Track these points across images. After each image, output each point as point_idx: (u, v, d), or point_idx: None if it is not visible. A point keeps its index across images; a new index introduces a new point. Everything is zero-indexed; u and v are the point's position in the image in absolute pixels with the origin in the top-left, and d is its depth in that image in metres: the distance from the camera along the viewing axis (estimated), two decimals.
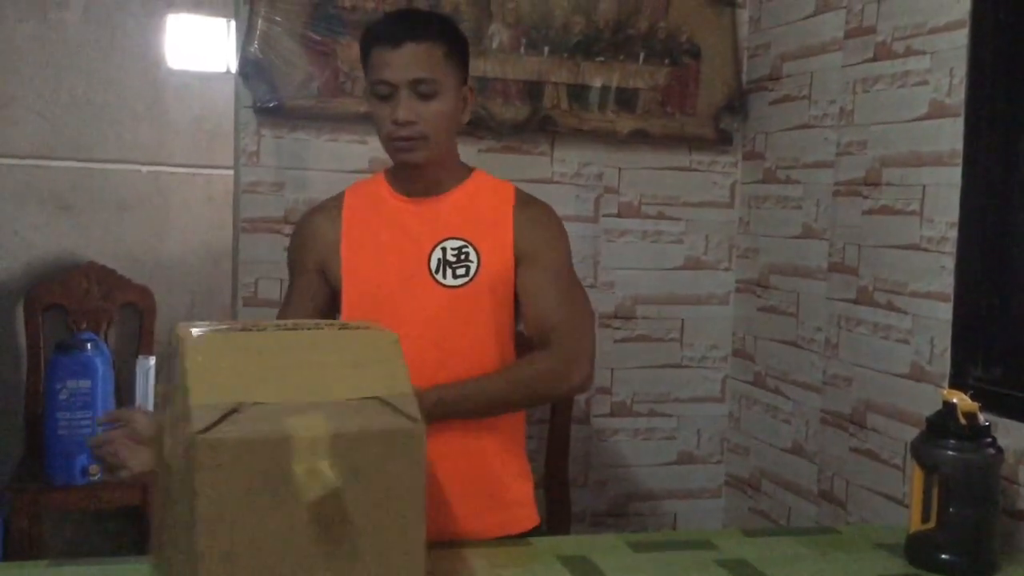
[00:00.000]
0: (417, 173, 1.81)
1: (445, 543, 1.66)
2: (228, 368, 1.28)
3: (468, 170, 1.89)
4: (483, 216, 1.83)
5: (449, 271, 1.79)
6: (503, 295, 1.81)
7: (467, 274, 1.79)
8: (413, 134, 1.74)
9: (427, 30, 1.76)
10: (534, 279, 1.81)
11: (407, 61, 1.72)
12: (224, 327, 1.38)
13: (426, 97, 1.74)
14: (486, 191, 1.87)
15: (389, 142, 1.77)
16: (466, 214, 1.82)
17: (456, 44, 1.80)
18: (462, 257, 1.79)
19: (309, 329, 1.40)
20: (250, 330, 1.38)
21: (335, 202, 1.91)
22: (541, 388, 1.81)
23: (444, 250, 1.79)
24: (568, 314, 1.81)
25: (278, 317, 1.91)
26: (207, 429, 1.20)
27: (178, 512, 1.25)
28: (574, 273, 1.90)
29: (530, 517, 1.88)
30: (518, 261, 1.81)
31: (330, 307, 1.88)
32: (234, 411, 1.22)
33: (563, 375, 1.79)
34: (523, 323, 1.85)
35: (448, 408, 1.70)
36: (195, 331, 1.34)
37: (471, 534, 1.75)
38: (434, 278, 1.78)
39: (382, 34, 1.75)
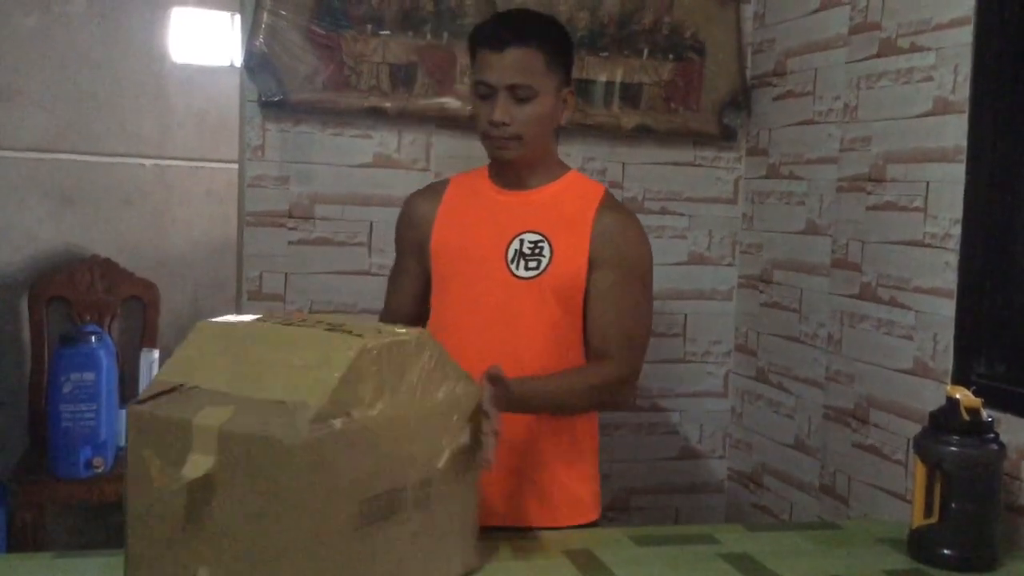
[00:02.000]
0: (509, 167, 1.89)
1: None
2: (201, 353, 1.37)
3: (564, 169, 1.95)
4: (565, 214, 1.88)
5: (523, 262, 1.85)
6: (571, 294, 1.85)
7: (538, 267, 1.84)
8: (506, 135, 1.81)
9: (531, 36, 1.82)
10: (603, 287, 1.85)
11: (507, 66, 1.79)
12: (247, 318, 1.46)
13: (522, 101, 1.80)
14: (574, 191, 1.92)
15: (484, 139, 1.86)
16: (549, 210, 1.88)
17: (559, 48, 1.86)
18: (536, 251, 1.85)
19: (298, 326, 1.41)
20: (264, 321, 1.44)
21: (440, 186, 2.01)
22: (598, 400, 1.88)
23: (522, 242, 1.85)
24: (627, 331, 1.86)
25: (388, 293, 2.04)
26: (142, 400, 1.32)
27: None
28: (648, 285, 1.92)
29: (589, 512, 1.92)
30: (592, 265, 1.84)
31: (428, 287, 1.97)
32: (173, 390, 1.32)
33: (617, 393, 1.88)
34: (586, 327, 1.88)
35: (527, 404, 1.73)
36: (222, 320, 1.45)
37: (528, 519, 1.82)
38: (508, 267, 1.85)
39: (488, 36, 1.82)
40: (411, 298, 1.99)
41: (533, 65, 1.80)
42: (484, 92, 1.81)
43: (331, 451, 1.26)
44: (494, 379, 1.57)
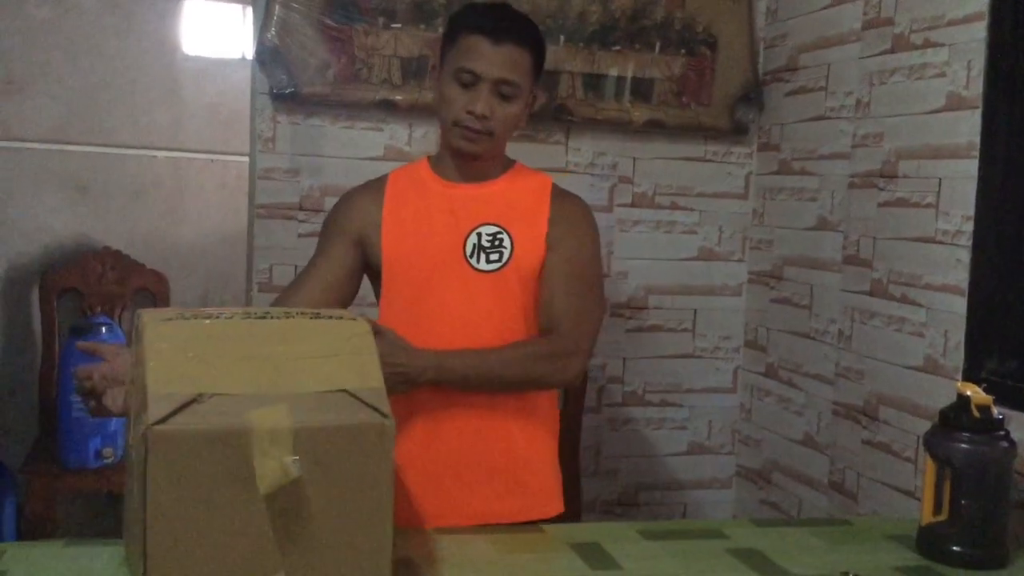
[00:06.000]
0: (466, 162, 1.86)
1: (457, 528, 1.67)
2: (190, 358, 1.24)
3: (510, 161, 1.94)
4: (520, 206, 1.87)
5: (483, 256, 1.82)
6: (534, 285, 1.84)
7: (500, 260, 1.82)
8: (483, 128, 1.78)
9: (527, 36, 1.81)
10: (551, 267, 1.84)
11: (502, 60, 1.77)
12: (189, 315, 1.33)
13: (504, 98, 1.79)
14: (525, 182, 1.91)
15: (455, 127, 1.80)
16: (504, 202, 1.86)
17: (542, 53, 1.86)
18: (496, 243, 1.82)
19: (279, 318, 1.36)
20: (216, 318, 1.33)
21: (379, 183, 1.94)
22: (533, 372, 1.81)
23: (480, 235, 1.83)
24: (575, 307, 1.83)
25: (298, 278, 1.92)
26: (163, 420, 1.16)
27: (135, 501, 1.22)
28: (597, 268, 1.91)
29: (554, 505, 1.89)
30: (548, 250, 1.85)
31: (353, 280, 1.90)
32: (193, 402, 1.19)
33: (557, 365, 1.81)
34: (537, 307, 1.86)
35: (445, 374, 1.73)
36: (158, 318, 1.30)
37: (492, 516, 1.77)
38: (468, 262, 1.82)
39: (485, 25, 1.78)
40: (322, 286, 1.86)
41: (523, 65, 1.80)
42: (467, 80, 1.77)
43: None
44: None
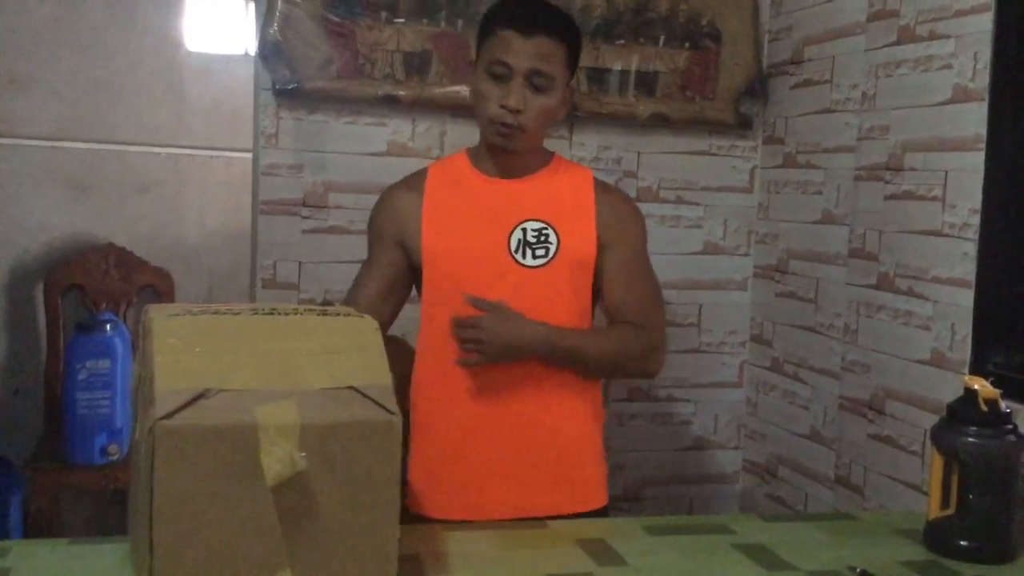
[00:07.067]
0: (504, 157, 1.86)
1: (464, 523, 1.68)
2: (198, 353, 1.25)
3: (549, 154, 1.94)
4: (564, 200, 1.87)
5: (529, 252, 1.83)
6: (582, 279, 1.86)
7: (546, 255, 1.83)
8: (515, 122, 1.78)
9: (559, 28, 1.82)
10: (619, 264, 1.87)
11: (533, 52, 1.77)
12: (197, 310, 1.34)
13: (538, 90, 1.79)
14: (566, 175, 1.92)
15: (490, 123, 1.81)
16: (547, 197, 1.87)
17: (576, 46, 1.87)
18: (542, 238, 1.83)
19: (286, 314, 1.36)
20: (223, 314, 1.34)
21: (418, 177, 1.93)
22: (629, 362, 1.90)
23: (524, 231, 1.83)
24: (649, 304, 1.90)
25: (353, 286, 1.93)
26: (170, 415, 1.17)
27: (140, 497, 1.23)
28: (649, 259, 1.96)
29: (598, 498, 1.92)
30: (602, 247, 1.86)
31: (405, 280, 1.92)
32: (201, 397, 1.20)
33: (652, 358, 1.91)
34: (604, 305, 1.90)
35: (552, 349, 1.80)
36: (166, 313, 1.31)
37: (535, 510, 1.79)
38: (514, 257, 1.83)
39: (517, 19, 1.79)
40: (373, 293, 1.87)
41: (556, 56, 1.80)
42: (501, 73, 1.78)
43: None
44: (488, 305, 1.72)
